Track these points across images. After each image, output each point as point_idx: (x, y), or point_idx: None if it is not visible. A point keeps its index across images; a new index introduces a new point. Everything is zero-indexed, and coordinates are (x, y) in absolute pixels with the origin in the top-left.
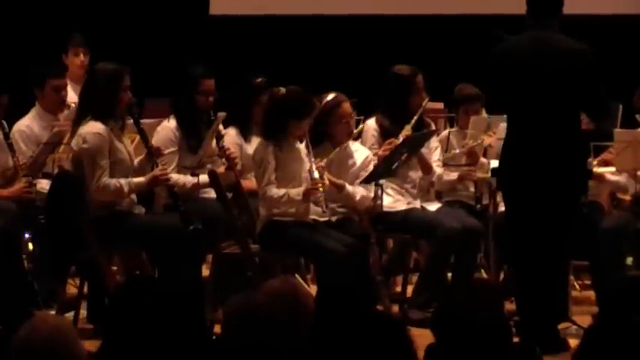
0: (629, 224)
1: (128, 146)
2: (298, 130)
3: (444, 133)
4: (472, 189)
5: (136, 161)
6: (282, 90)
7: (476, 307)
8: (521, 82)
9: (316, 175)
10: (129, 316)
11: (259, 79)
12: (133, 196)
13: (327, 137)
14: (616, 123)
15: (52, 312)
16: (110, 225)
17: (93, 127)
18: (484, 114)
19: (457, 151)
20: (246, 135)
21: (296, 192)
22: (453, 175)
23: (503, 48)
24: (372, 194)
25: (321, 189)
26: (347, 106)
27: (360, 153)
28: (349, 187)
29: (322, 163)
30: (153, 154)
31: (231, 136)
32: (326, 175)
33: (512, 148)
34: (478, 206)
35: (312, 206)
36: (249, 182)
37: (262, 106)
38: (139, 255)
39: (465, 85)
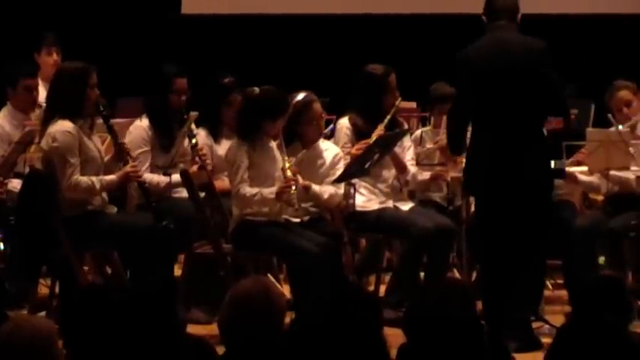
0: (602, 224)
1: (98, 144)
2: (272, 130)
3: (417, 132)
4: (445, 189)
5: (106, 159)
6: (256, 90)
7: (447, 307)
8: (483, 85)
9: (289, 174)
10: (84, 324)
11: (228, 79)
12: (105, 196)
13: (298, 137)
14: (588, 122)
15: (24, 312)
16: (82, 224)
17: (62, 126)
18: None
19: (430, 145)
20: (215, 136)
21: (269, 191)
22: (426, 175)
23: (465, 53)
24: (341, 192)
25: (293, 188)
26: (317, 106)
27: (330, 151)
28: (315, 187)
29: (292, 163)
30: (123, 152)
31: (201, 136)
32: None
33: (477, 149)
34: (450, 207)
35: (284, 206)
36: (221, 182)
37: (231, 107)
38: (111, 255)
39: (439, 85)
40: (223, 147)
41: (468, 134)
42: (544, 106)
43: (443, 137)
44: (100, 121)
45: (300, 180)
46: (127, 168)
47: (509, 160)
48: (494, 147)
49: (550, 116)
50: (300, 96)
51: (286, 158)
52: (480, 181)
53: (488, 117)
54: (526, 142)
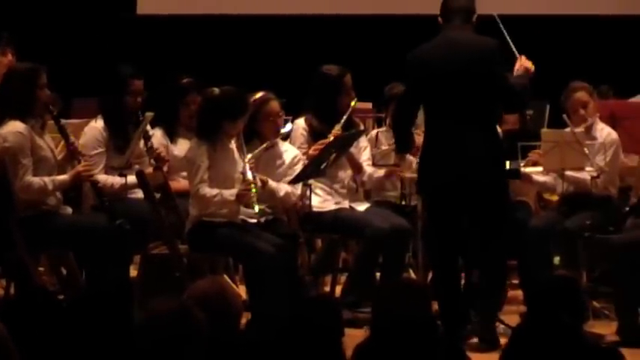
0: (557, 224)
1: (51, 144)
2: (233, 131)
3: (373, 132)
4: (400, 188)
5: (59, 158)
6: (216, 90)
7: (405, 307)
8: (433, 85)
9: (249, 175)
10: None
11: (185, 80)
12: (60, 196)
13: (256, 135)
14: (543, 123)
15: None
16: (37, 225)
17: (13, 127)
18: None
19: (385, 146)
20: (172, 136)
21: (229, 193)
22: (380, 172)
23: (418, 53)
24: (297, 191)
25: (254, 190)
26: (274, 104)
27: (289, 153)
28: (272, 183)
29: (251, 161)
30: (74, 152)
31: (157, 136)
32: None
33: (429, 150)
34: (403, 202)
35: (241, 207)
36: (177, 183)
37: (189, 107)
38: (67, 255)
39: (394, 85)
40: (179, 147)
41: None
42: (497, 104)
43: None
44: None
45: (258, 177)
46: (79, 168)
47: (461, 161)
48: (447, 147)
49: (508, 112)
50: (258, 95)
51: (247, 159)
52: (432, 181)
53: (439, 117)
54: (479, 143)
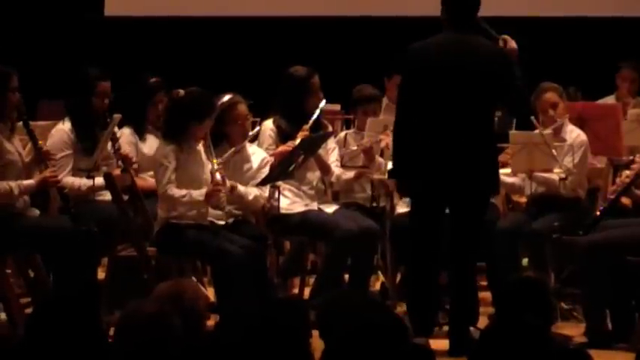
0: (525, 225)
1: (19, 147)
2: (200, 132)
3: (342, 134)
4: (369, 191)
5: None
6: (181, 92)
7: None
8: (436, 80)
9: (218, 177)
10: None
11: (155, 79)
12: (27, 199)
13: (225, 138)
14: (512, 125)
15: None
16: (3, 227)
17: None
18: (382, 115)
19: (354, 147)
20: (140, 134)
21: (198, 193)
22: (350, 174)
23: (422, 46)
24: (265, 194)
25: (223, 191)
26: (242, 107)
27: (257, 155)
28: (241, 188)
29: (219, 162)
30: (42, 156)
31: (125, 135)
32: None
33: (418, 147)
34: (374, 204)
35: (209, 209)
36: (145, 182)
37: (156, 106)
38: (34, 258)
39: (363, 86)
40: (148, 145)
41: None
42: (505, 105)
43: (367, 139)
44: (20, 124)
45: (227, 181)
46: (46, 174)
47: (457, 160)
48: (443, 146)
49: (513, 114)
50: (226, 98)
51: (215, 160)
52: (423, 180)
53: (438, 115)
54: (476, 143)
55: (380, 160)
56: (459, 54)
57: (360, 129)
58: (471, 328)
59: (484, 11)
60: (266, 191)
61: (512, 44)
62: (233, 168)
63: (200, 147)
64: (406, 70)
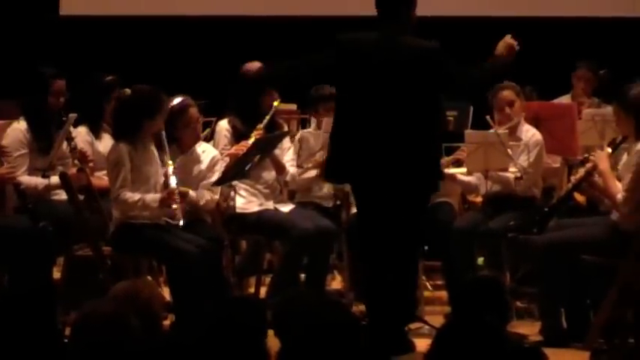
0: (481, 224)
1: None
2: (152, 128)
3: (299, 133)
4: (325, 190)
5: None
6: (128, 91)
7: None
8: (368, 75)
9: (173, 182)
10: None
11: (110, 77)
12: None
13: (175, 141)
14: (467, 124)
15: None
16: None
17: None
18: None
19: (312, 147)
20: (96, 132)
21: (152, 198)
22: (312, 173)
23: (352, 38)
24: (216, 196)
25: (177, 199)
26: (194, 110)
27: (207, 154)
28: (192, 194)
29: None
30: None
31: (81, 133)
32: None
33: (356, 143)
34: (338, 202)
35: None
36: (101, 180)
37: (113, 104)
38: None
39: (321, 86)
40: (104, 143)
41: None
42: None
43: (319, 155)
44: None
45: (180, 188)
46: (2, 170)
47: (396, 157)
48: (380, 142)
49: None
50: (177, 100)
51: (169, 162)
52: (362, 178)
53: (373, 110)
54: (414, 139)
55: None
56: (389, 48)
57: (319, 128)
58: (426, 327)
59: (441, 10)
60: (217, 193)
61: (511, 41)
62: (183, 169)
63: (153, 147)
64: (337, 62)
